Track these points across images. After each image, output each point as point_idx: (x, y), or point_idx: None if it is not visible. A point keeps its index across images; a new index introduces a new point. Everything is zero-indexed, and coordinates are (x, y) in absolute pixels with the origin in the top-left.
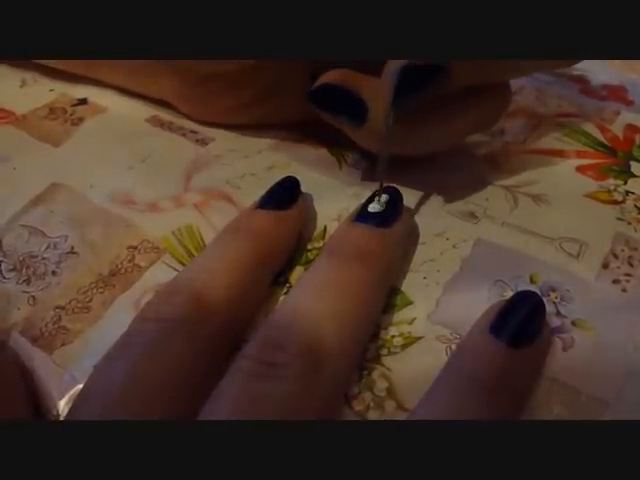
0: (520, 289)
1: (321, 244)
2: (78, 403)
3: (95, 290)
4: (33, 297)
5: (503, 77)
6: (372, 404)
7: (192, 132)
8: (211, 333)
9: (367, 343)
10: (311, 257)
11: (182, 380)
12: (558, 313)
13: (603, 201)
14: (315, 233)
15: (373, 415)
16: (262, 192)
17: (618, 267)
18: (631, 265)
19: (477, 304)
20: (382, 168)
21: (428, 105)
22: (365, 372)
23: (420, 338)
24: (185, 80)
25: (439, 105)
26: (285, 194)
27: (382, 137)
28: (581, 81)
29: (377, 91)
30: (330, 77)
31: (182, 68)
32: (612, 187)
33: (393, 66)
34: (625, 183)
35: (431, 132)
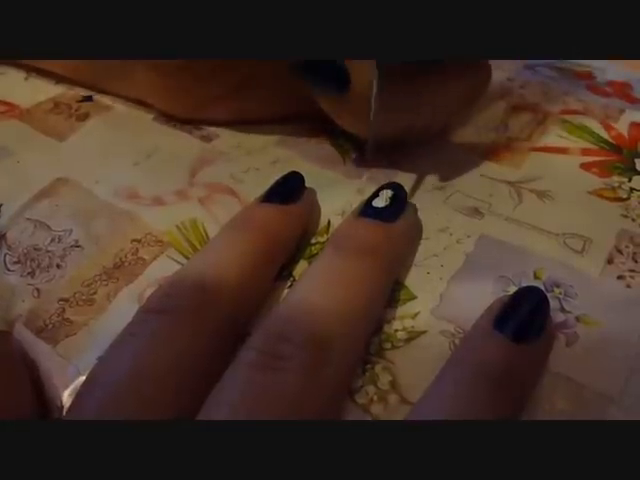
0: (524, 284)
1: (325, 238)
2: (82, 392)
3: (99, 283)
4: (37, 289)
5: None
6: (375, 398)
7: (197, 129)
8: (215, 326)
9: (371, 337)
10: (315, 251)
11: (185, 372)
12: (562, 309)
13: (608, 198)
14: (319, 227)
15: (376, 409)
16: (266, 186)
17: (623, 263)
18: (636, 261)
19: (481, 299)
20: (372, 145)
21: (410, 74)
22: (369, 366)
23: (424, 332)
24: (155, 73)
25: (421, 75)
26: (290, 188)
27: (369, 108)
28: (587, 77)
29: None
30: None
31: (153, 62)
32: (617, 184)
33: None
34: (630, 180)
35: (417, 102)
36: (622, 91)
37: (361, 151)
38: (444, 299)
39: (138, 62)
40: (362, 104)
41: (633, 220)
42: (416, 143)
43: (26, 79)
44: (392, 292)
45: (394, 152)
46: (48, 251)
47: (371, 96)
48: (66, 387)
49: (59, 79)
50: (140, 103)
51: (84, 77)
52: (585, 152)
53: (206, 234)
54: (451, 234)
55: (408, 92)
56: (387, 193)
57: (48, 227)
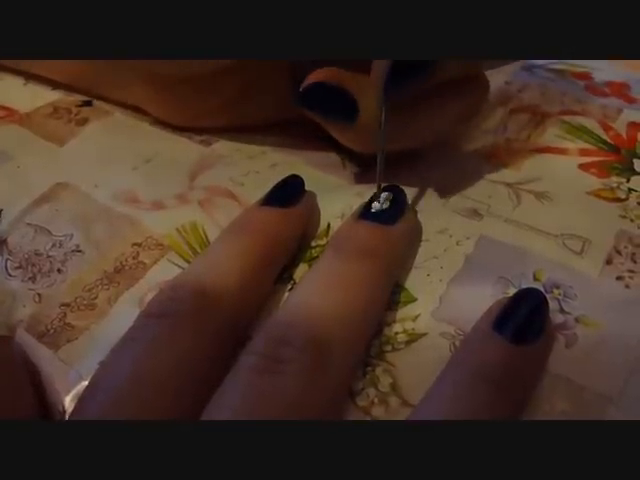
0: (523, 286)
1: (325, 241)
2: (84, 397)
3: (100, 287)
4: (39, 295)
5: (479, 68)
6: (376, 400)
7: (196, 133)
8: (216, 329)
9: (371, 339)
10: (315, 254)
11: (187, 376)
12: (561, 310)
13: (606, 198)
14: (319, 230)
15: (377, 411)
16: (265, 189)
17: (622, 263)
18: (634, 262)
19: (480, 301)
20: (381, 167)
21: (411, 101)
22: (369, 368)
23: (424, 335)
24: (153, 87)
25: (422, 100)
26: (290, 192)
27: (375, 134)
28: (585, 77)
29: (364, 88)
30: (317, 76)
31: (149, 74)
32: (615, 185)
33: (382, 63)
34: (628, 181)
35: (417, 127)
36: (620, 91)
37: (361, 164)
38: (444, 301)
39: (136, 74)
40: (367, 132)
41: (632, 221)
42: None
43: (25, 84)
44: (392, 294)
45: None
46: (49, 256)
47: (377, 127)
48: (68, 392)
49: (57, 85)
50: (139, 110)
51: (82, 84)
52: (583, 153)
53: (206, 237)
54: (451, 236)
55: (410, 119)
56: (386, 196)
57: (49, 232)
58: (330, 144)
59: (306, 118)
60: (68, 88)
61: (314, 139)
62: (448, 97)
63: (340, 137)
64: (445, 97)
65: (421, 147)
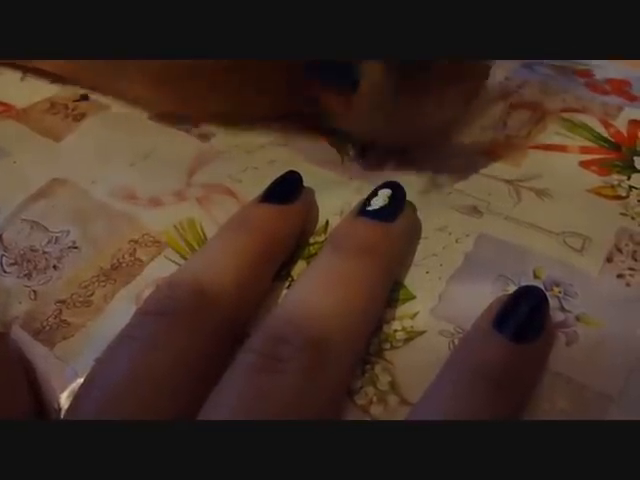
0: (523, 284)
1: (323, 238)
2: (80, 394)
3: (96, 284)
4: (34, 291)
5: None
6: (375, 399)
7: (195, 127)
8: (213, 327)
9: (370, 337)
10: (313, 251)
11: (184, 374)
12: (562, 308)
13: (606, 196)
14: (317, 227)
15: (376, 410)
16: (264, 186)
17: (622, 261)
18: (635, 259)
19: (480, 299)
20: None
21: (409, 95)
22: (368, 366)
23: (423, 332)
24: (156, 94)
25: (421, 85)
26: (288, 188)
27: (374, 108)
28: (586, 75)
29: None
30: None
31: (151, 80)
32: (616, 182)
33: None
34: (629, 178)
35: (415, 120)
36: (621, 89)
37: (360, 154)
38: (443, 299)
39: (136, 68)
40: (367, 104)
41: (632, 218)
42: (415, 146)
43: (22, 79)
44: (391, 292)
45: (393, 156)
46: (45, 252)
47: (377, 99)
48: (63, 389)
49: (55, 78)
50: (136, 103)
51: (80, 76)
52: (584, 150)
53: (204, 234)
54: (450, 233)
55: (411, 95)
56: (386, 192)
57: (45, 228)
58: (329, 140)
59: (306, 112)
60: (66, 80)
61: (313, 135)
62: (449, 77)
63: (340, 116)
64: (446, 77)
65: (420, 141)
